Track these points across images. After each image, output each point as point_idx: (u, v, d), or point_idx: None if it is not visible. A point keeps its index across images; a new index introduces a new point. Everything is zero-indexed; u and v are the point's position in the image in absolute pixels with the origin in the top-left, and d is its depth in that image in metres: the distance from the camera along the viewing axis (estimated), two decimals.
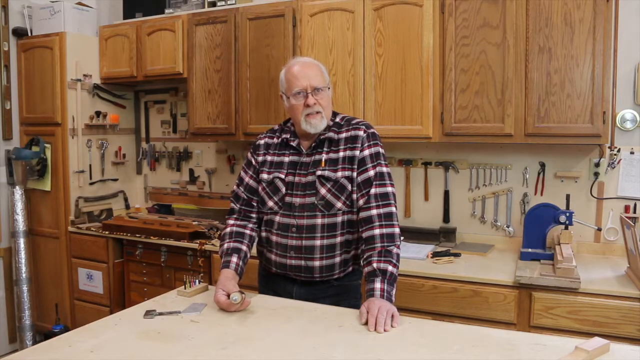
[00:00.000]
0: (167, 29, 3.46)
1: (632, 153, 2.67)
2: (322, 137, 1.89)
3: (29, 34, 3.73)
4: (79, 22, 3.71)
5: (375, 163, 1.86)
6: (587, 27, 2.41)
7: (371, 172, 1.84)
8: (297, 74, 1.86)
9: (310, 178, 1.87)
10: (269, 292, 1.96)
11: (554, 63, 2.48)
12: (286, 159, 1.93)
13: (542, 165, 2.84)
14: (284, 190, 1.89)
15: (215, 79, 3.32)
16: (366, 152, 1.86)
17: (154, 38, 3.53)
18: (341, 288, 1.94)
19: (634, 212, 2.66)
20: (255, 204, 1.97)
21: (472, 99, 2.64)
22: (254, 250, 2.00)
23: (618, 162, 2.69)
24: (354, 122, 1.93)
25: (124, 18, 3.83)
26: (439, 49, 2.70)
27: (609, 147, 2.68)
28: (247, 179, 1.99)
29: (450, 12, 2.65)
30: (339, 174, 1.85)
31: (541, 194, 2.84)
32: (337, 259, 1.88)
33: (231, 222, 1.97)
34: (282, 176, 1.90)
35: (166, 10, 3.64)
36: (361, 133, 1.88)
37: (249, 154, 2.02)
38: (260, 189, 1.95)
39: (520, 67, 2.53)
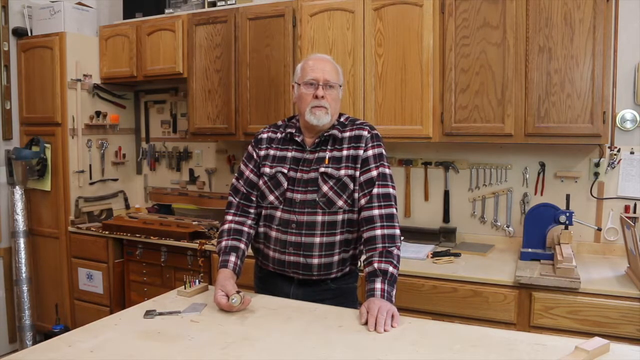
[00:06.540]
0: (167, 29, 3.46)
1: (632, 153, 2.67)
2: (326, 134, 1.90)
3: (29, 34, 3.73)
4: (79, 22, 3.71)
5: (379, 164, 1.86)
6: (587, 27, 2.41)
7: (374, 173, 1.85)
8: (313, 65, 1.90)
9: (312, 175, 1.87)
10: (265, 294, 1.95)
11: (554, 63, 2.48)
12: (289, 154, 1.93)
13: (542, 165, 2.84)
14: (285, 185, 1.89)
15: (215, 79, 3.32)
16: (370, 152, 1.87)
17: (154, 38, 3.53)
18: (338, 291, 1.94)
19: (634, 212, 2.66)
20: (254, 199, 1.96)
21: (472, 99, 2.64)
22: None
23: (618, 162, 2.69)
24: (357, 122, 1.96)
25: (124, 18, 3.83)
26: (439, 49, 2.70)
27: (609, 147, 2.69)
28: (247, 172, 1.98)
29: (450, 12, 2.65)
30: (342, 172, 1.86)
31: (541, 194, 2.84)
32: (336, 257, 1.89)
33: (229, 217, 1.96)
34: (285, 171, 1.90)
35: (166, 10, 3.64)
36: (365, 133, 1.89)
37: (250, 147, 2.01)
38: (261, 182, 1.94)
39: (520, 67, 2.53)
